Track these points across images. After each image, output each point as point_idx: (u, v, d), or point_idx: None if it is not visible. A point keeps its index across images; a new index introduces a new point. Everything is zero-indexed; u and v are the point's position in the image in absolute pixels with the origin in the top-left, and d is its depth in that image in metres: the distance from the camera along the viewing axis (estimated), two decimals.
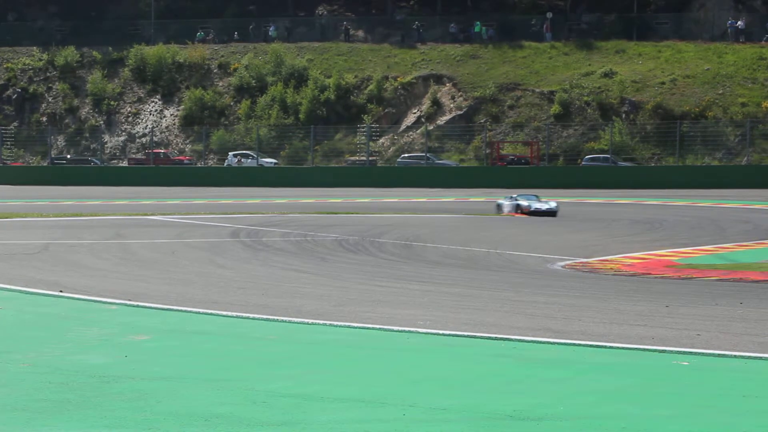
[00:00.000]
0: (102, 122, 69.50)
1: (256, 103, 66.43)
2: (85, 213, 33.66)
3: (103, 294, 14.20)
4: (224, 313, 12.46)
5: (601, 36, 66.54)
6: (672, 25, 67.37)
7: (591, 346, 10.23)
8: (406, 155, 60.34)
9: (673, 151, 55.08)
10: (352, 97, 65.74)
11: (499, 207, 35.89)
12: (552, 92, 61.74)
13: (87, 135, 69.20)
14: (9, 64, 72.69)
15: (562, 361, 9.64)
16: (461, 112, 62.91)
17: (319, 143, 61.95)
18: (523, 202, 35.13)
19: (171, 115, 68.91)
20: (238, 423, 7.10)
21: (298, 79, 66.65)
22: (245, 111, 66.14)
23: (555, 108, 60.73)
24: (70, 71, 71.56)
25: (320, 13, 74.34)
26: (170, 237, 24.87)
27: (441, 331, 11.08)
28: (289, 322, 11.82)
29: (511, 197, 36.05)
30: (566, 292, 15.36)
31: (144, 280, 16.08)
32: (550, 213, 34.22)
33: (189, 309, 12.81)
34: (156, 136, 67.08)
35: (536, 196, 36.35)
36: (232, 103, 68.26)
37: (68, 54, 71.55)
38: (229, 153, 62.50)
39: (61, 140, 69.19)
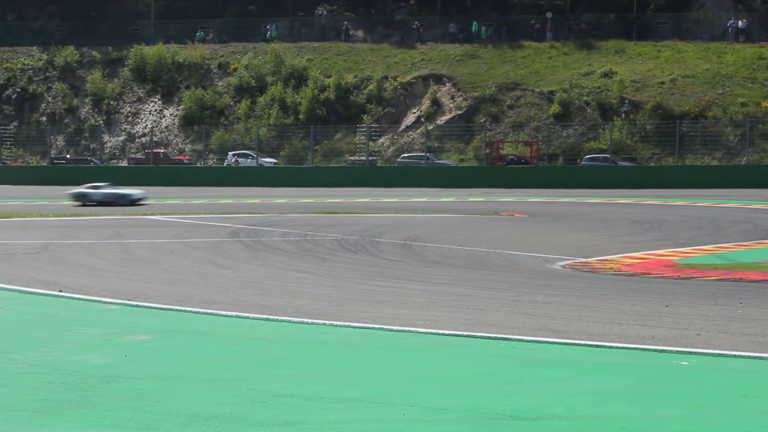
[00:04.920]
0: (102, 122, 69.50)
1: (255, 103, 66.43)
2: (85, 213, 33.66)
3: (103, 294, 14.20)
4: (224, 313, 12.47)
5: (601, 36, 66.57)
6: (672, 25, 67.38)
7: (591, 346, 10.24)
8: (405, 155, 60.33)
9: (673, 150, 55.09)
10: (351, 97, 65.75)
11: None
12: (552, 92, 61.75)
13: (87, 135, 69.20)
14: (9, 64, 72.70)
15: (561, 361, 9.64)
16: (461, 112, 62.91)
17: (318, 143, 61.95)
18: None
19: (171, 114, 68.92)
20: (238, 423, 7.10)
21: (298, 79, 66.66)
22: (245, 111, 66.14)
23: (555, 108, 60.74)
24: (70, 71, 71.57)
25: (320, 13, 74.36)
26: (170, 237, 24.87)
27: (441, 331, 11.08)
28: (289, 321, 11.83)
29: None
30: (566, 292, 15.36)
31: (144, 280, 16.08)
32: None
33: (189, 309, 12.81)
34: (156, 135, 67.08)
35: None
36: (231, 103, 68.26)
37: (68, 54, 71.56)
38: (229, 153, 62.53)
39: (60, 140, 69.19)
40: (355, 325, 11.53)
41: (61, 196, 46.13)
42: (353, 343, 10.63)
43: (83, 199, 39.05)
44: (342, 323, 11.64)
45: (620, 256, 22.14)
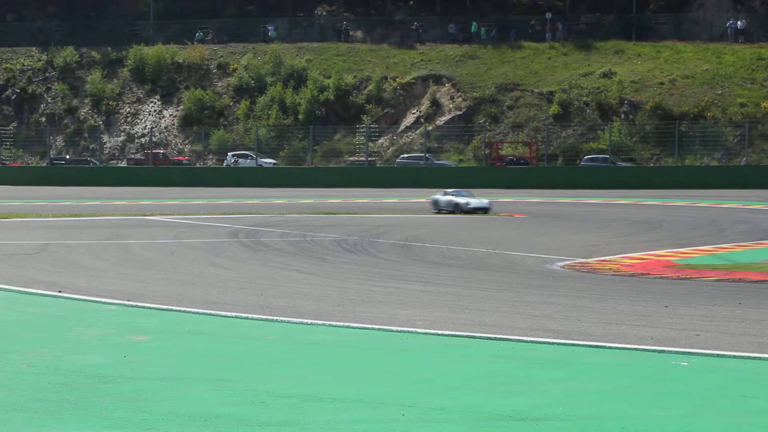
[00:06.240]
0: (101, 122, 69.49)
1: (255, 104, 66.42)
2: (84, 213, 33.65)
3: (102, 294, 14.19)
4: (223, 313, 12.46)
5: (600, 36, 66.56)
6: (671, 25, 67.38)
7: (590, 346, 10.23)
8: (405, 155, 60.33)
9: (672, 151, 55.11)
10: (351, 98, 65.75)
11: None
12: (551, 92, 61.75)
13: (86, 135, 69.18)
14: (8, 65, 72.68)
15: (561, 361, 9.64)
16: (460, 113, 62.91)
17: (318, 143, 61.95)
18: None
19: (170, 115, 68.92)
20: (238, 423, 7.10)
21: (297, 79, 66.66)
22: (244, 111, 66.13)
23: (554, 108, 60.73)
24: (69, 71, 71.56)
25: (319, 13, 74.35)
26: (169, 237, 24.87)
27: (440, 332, 11.07)
28: (288, 322, 11.82)
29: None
30: (565, 292, 15.36)
31: (143, 281, 16.07)
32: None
33: (188, 309, 12.81)
34: (155, 136, 67.08)
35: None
36: (231, 104, 68.26)
37: (67, 54, 71.55)
38: (228, 153, 62.54)
39: (60, 140, 69.18)
40: (355, 325, 11.53)
41: (59, 196, 46.15)
42: (353, 343, 10.62)
43: (435, 206, 36.06)
44: (341, 323, 11.64)
45: (619, 257, 22.15)
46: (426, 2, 72.55)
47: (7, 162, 66.38)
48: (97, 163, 64.43)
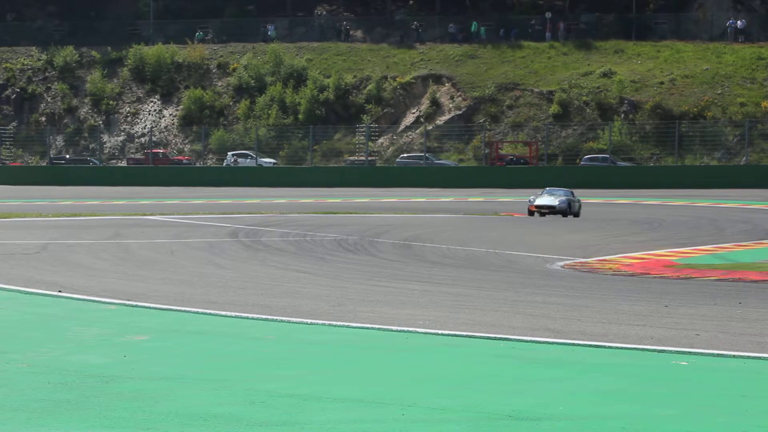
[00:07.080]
0: (101, 122, 69.50)
1: (255, 103, 66.45)
2: (84, 213, 33.65)
3: (102, 294, 14.18)
4: (223, 313, 12.45)
5: (600, 36, 66.59)
6: (671, 25, 67.42)
7: (590, 346, 10.22)
8: (405, 155, 60.36)
9: (672, 151, 55.12)
10: (351, 97, 65.76)
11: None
12: (551, 92, 61.77)
13: (86, 135, 69.20)
14: (8, 64, 72.68)
15: (561, 361, 9.63)
16: (460, 112, 62.92)
17: (318, 143, 61.96)
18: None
19: (170, 114, 68.92)
20: (237, 423, 7.09)
21: (297, 79, 66.67)
22: (244, 111, 66.15)
23: (554, 108, 60.75)
24: (69, 71, 71.57)
25: (319, 13, 74.35)
26: (169, 237, 24.86)
27: (440, 331, 11.06)
28: (288, 322, 11.81)
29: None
30: (565, 292, 15.35)
31: (143, 280, 16.07)
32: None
33: (188, 309, 12.79)
34: (155, 136, 67.08)
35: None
36: (231, 103, 68.27)
37: (67, 54, 71.57)
38: (228, 153, 62.57)
39: (60, 140, 69.19)
40: (355, 325, 11.52)
41: (59, 195, 46.12)
42: (353, 343, 10.61)
43: None
44: (341, 323, 11.63)
45: (619, 256, 22.14)
46: (426, 2, 72.57)
47: (7, 162, 66.40)
48: (97, 162, 64.43)
